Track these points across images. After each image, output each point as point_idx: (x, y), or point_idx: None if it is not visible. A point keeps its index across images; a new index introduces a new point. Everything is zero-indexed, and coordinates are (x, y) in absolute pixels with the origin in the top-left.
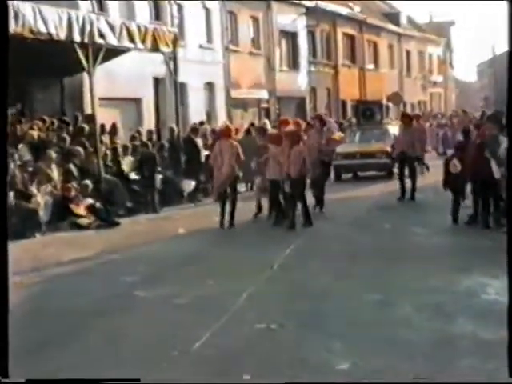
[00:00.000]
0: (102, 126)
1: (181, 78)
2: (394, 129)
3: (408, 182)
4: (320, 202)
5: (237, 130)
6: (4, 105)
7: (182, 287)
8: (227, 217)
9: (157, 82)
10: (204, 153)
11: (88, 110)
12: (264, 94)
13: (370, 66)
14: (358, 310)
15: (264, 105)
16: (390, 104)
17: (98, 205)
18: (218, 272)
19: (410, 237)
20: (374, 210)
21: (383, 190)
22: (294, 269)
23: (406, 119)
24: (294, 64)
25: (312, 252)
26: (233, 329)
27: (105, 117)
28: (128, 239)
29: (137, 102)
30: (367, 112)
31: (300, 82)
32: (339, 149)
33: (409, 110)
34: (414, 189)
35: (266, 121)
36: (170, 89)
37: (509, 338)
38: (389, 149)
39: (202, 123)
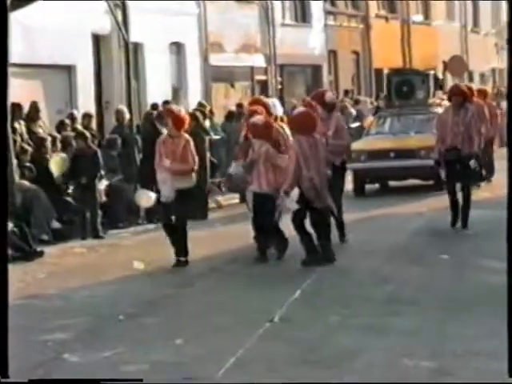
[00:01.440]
0: (16, 106)
1: (133, 37)
2: None
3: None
4: (339, 226)
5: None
6: (4, 103)
7: (133, 348)
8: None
9: (97, 41)
10: None
11: None
12: (259, 61)
13: (418, 18)
14: None
15: (260, 76)
16: (448, 74)
17: (8, 226)
18: (191, 326)
19: (479, 275)
20: (422, 236)
21: (434, 206)
22: (301, 323)
23: (456, 96)
24: (303, 15)
25: (329, 296)
26: None
27: (20, 93)
28: (54, 278)
29: (68, 70)
30: (404, 87)
31: (313, 42)
32: (361, 144)
33: (476, 82)
34: (466, 209)
35: (275, 101)
36: (117, 52)
37: (509, 338)
38: None
39: (166, 103)
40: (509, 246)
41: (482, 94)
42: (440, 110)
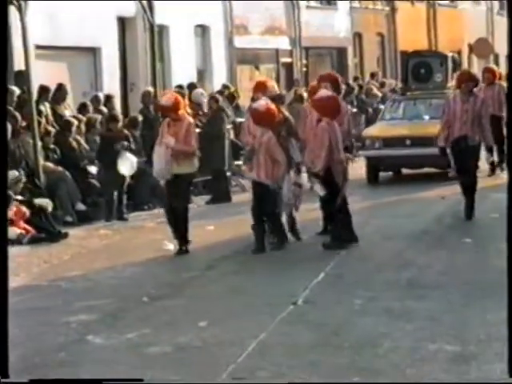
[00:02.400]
0: (42, 88)
1: (159, 19)
2: None
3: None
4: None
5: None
6: (3, 102)
7: (157, 330)
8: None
9: (123, 24)
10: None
11: (19, 66)
12: (284, 44)
13: (444, 1)
14: (422, 368)
15: (285, 59)
16: (474, 57)
17: (36, 200)
18: (215, 309)
19: (502, 259)
20: (445, 220)
21: (456, 190)
22: (325, 306)
23: (466, 83)
24: None
25: (352, 280)
26: None
27: (46, 75)
28: (78, 260)
29: (93, 53)
30: (421, 69)
31: (338, 24)
32: (375, 131)
33: (502, 64)
34: (471, 201)
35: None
36: (142, 35)
37: (509, 338)
38: None
39: (191, 86)
40: (509, 246)
41: (493, 74)
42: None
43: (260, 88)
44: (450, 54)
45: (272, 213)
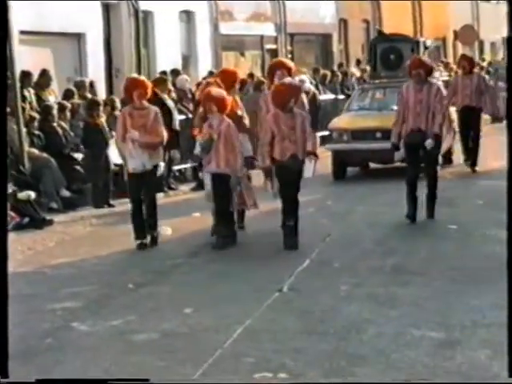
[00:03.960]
0: (24, 73)
1: (143, 5)
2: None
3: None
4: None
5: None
6: (4, 102)
7: (143, 317)
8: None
9: (107, 9)
10: (178, 117)
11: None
12: (269, 30)
13: None
14: (405, 354)
15: (270, 45)
16: (459, 43)
17: (19, 194)
18: (200, 296)
19: (487, 245)
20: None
21: (440, 175)
22: (310, 293)
23: (417, 69)
24: None
25: (337, 266)
26: (220, 380)
27: (30, 60)
28: (63, 246)
29: (78, 38)
30: (391, 55)
31: (323, 11)
32: (342, 122)
33: (487, 51)
34: (433, 199)
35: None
36: (127, 20)
37: (509, 338)
38: None
39: (175, 72)
40: (509, 244)
41: (468, 61)
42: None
43: (225, 75)
44: (421, 39)
45: (226, 208)
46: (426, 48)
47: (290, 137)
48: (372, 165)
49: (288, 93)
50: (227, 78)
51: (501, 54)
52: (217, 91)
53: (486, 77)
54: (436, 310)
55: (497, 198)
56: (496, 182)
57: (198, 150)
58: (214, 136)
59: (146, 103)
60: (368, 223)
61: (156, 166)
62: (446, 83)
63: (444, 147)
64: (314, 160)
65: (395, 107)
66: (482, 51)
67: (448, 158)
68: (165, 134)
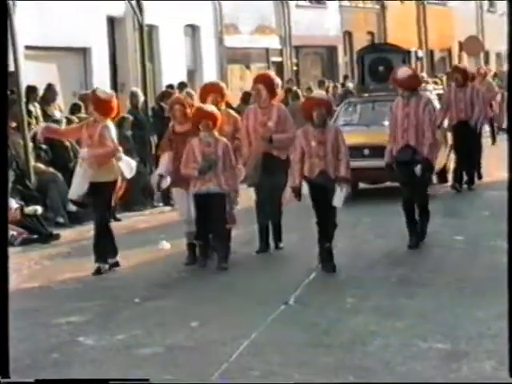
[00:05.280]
0: (29, 88)
1: (148, 19)
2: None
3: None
4: (276, 229)
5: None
6: (4, 103)
7: (148, 331)
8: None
9: (112, 23)
10: None
11: (9, 67)
12: (274, 43)
13: None
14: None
15: (275, 58)
16: (465, 54)
17: (25, 209)
18: (206, 309)
19: (493, 256)
20: (436, 217)
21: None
22: (316, 305)
23: (403, 87)
24: None
25: (343, 278)
26: None
27: (36, 75)
28: (70, 261)
29: (83, 53)
30: (380, 67)
31: (328, 23)
32: None
33: (493, 62)
34: (424, 221)
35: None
36: (132, 34)
37: (509, 338)
38: None
39: (182, 85)
40: (509, 246)
41: (462, 74)
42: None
43: (211, 91)
44: (413, 50)
45: (223, 227)
46: (417, 59)
47: (318, 153)
48: (362, 185)
49: (314, 106)
50: (205, 92)
51: (506, 66)
52: (208, 107)
53: (483, 88)
54: (442, 322)
55: (503, 208)
56: (501, 193)
57: (162, 170)
58: (213, 157)
59: (103, 117)
60: (375, 234)
61: (106, 184)
62: (440, 97)
63: (438, 164)
64: (345, 188)
65: (386, 122)
66: (487, 62)
67: (443, 177)
68: (116, 148)
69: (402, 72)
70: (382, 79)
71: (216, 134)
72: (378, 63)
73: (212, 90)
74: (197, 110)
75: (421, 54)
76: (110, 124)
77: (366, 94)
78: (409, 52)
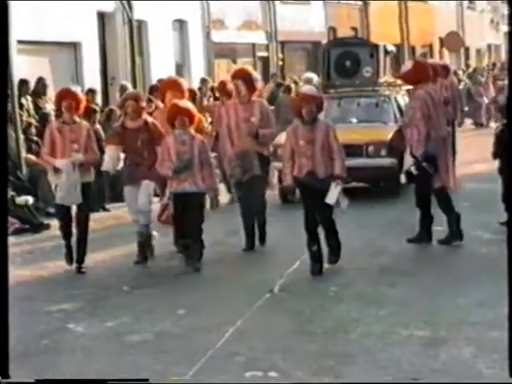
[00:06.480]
0: (23, 82)
1: (137, 14)
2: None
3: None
4: (260, 228)
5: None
6: (3, 102)
7: (137, 318)
8: None
9: (103, 19)
10: None
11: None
12: (261, 38)
13: None
14: (392, 353)
15: (261, 53)
16: (445, 50)
17: (17, 200)
18: (193, 297)
19: (472, 246)
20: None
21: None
22: (300, 294)
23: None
24: None
25: (327, 267)
26: (212, 379)
27: (27, 69)
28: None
29: (74, 47)
30: (346, 61)
31: (313, 19)
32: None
33: (473, 57)
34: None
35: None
36: (121, 29)
37: (509, 338)
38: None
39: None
40: (509, 246)
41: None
42: (394, 94)
43: (172, 88)
44: (381, 44)
45: (199, 227)
46: (386, 53)
47: (306, 152)
48: None
49: (304, 103)
50: (163, 89)
51: (485, 61)
52: (184, 103)
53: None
54: (423, 310)
55: (482, 200)
56: (481, 185)
57: (108, 165)
58: (189, 157)
59: (74, 117)
60: (357, 225)
61: (87, 184)
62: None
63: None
64: (339, 186)
65: (354, 120)
66: (467, 58)
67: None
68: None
69: (405, 66)
70: (348, 75)
71: (192, 131)
72: (345, 58)
73: (169, 87)
74: (172, 106)
75: (391, 47)
76: (88, 125)
77: (332, 91)
78: (377, 46)
